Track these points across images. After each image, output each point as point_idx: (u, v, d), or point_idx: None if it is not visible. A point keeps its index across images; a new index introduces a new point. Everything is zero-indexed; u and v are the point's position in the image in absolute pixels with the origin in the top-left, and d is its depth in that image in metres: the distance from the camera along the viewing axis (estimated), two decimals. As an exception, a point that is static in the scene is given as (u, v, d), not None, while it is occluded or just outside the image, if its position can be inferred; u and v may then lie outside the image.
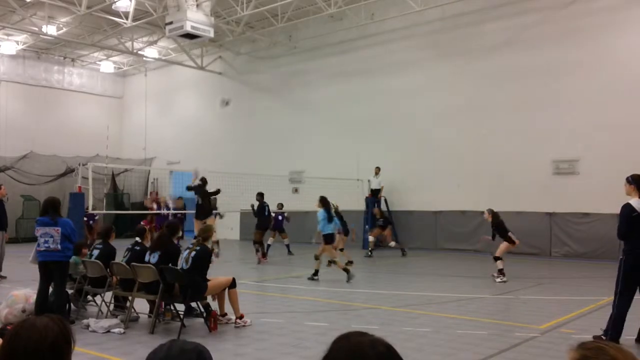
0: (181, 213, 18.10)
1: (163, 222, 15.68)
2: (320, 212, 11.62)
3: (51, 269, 7.25)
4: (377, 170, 18.55)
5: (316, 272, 11.50)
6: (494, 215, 11.78)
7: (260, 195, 15.49)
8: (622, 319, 6.25)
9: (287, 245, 16.78)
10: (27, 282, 9.46)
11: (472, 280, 11.57)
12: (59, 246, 7.19)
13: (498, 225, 11.71)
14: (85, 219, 16.34)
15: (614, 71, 15.05)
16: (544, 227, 15.72)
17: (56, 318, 1.91)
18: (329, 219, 11.57)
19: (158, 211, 18.61)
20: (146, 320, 7.68)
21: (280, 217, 16.85)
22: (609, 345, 1.75)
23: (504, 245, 11.51)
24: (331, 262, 11.74)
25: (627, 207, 6.30)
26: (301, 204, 18.69)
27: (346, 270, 11.35)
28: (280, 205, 17.17)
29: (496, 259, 11.38)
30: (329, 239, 11.57)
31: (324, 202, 11.71)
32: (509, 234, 11.56)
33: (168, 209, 18.63)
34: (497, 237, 11.79)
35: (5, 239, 11.85)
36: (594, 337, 6.31)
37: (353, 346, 1.55)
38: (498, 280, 11.14)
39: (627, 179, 6.44)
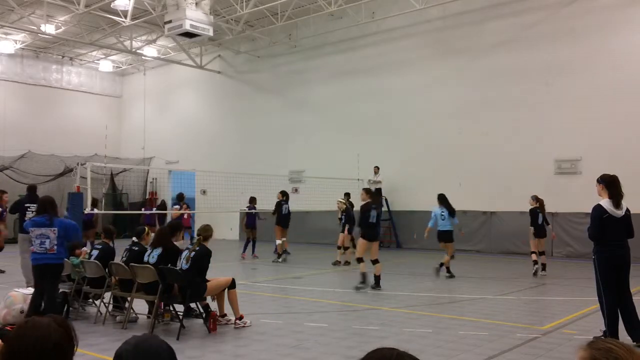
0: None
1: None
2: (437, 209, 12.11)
3: (44, 271, 7.02)
4: (377, 169, 18.48)
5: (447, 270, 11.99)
6: (541, 202, 12.26)
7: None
8: (615, 316, 6.29)
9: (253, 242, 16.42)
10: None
11: (473, 281, 11.53)
12: (55, 248, 7.07)
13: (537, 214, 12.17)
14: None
15: (616, 70, 14.98)
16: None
17: (59, 318, 1.89)
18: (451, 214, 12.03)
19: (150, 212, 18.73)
20: (145, 321, 7.63)
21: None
22: (619, 346, 1.69)
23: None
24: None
25: (598, 209, 6.40)
26: (301, 203, 18.62)
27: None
28: (253, 200, 16.53)
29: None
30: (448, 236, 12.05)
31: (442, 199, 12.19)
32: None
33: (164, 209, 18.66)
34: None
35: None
36: (595, 338, 6.28)
37: (379, 358, 1.61)
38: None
39: (597, 179, 6.66)
